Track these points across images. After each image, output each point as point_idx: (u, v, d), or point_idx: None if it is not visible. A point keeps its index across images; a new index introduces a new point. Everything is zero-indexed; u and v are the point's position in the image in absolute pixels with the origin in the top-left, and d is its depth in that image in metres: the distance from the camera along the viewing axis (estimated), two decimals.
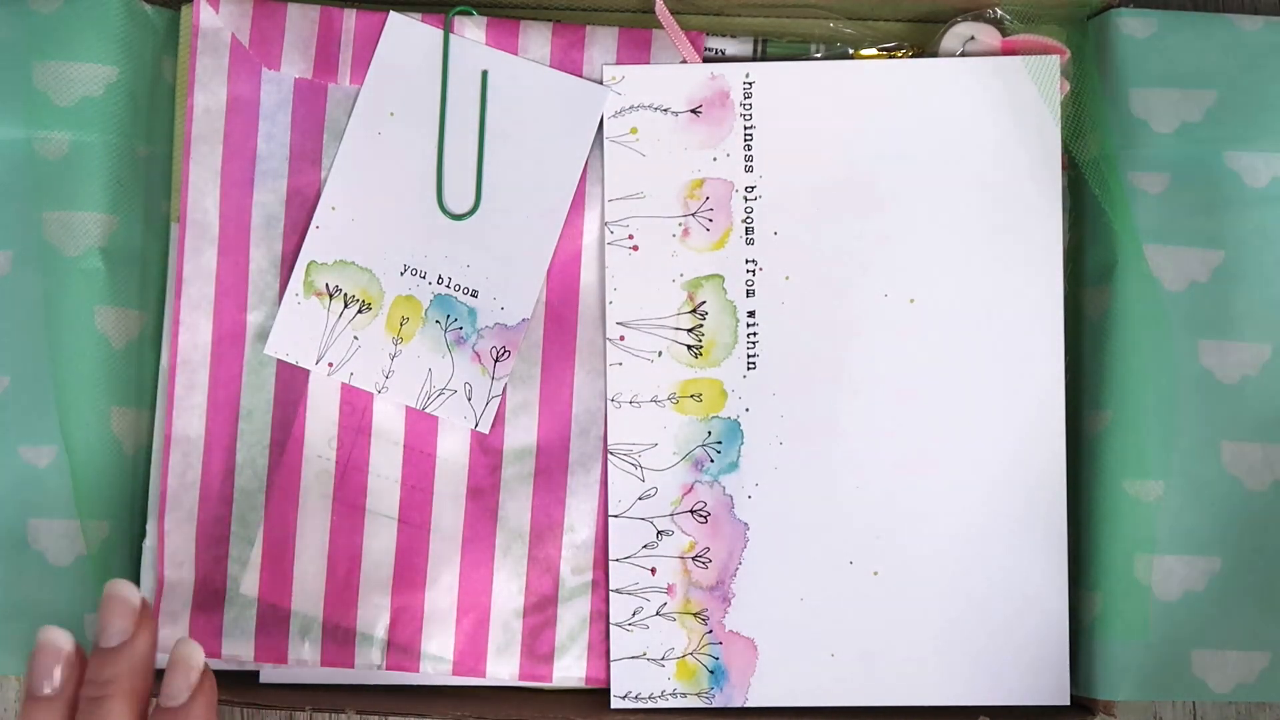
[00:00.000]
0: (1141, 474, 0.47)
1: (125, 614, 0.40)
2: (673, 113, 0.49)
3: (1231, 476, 0.47)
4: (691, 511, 0.48)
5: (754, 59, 0.50)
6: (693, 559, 0.48)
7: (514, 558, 0.49)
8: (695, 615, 0.48)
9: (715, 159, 0.49)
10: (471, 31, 0.49)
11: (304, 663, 0.48)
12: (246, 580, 0.49)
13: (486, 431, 0.49)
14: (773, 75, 0.49)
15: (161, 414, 0.50)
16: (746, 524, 0.48)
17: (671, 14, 0.49)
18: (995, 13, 0.49)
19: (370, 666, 0.48)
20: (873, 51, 0.50)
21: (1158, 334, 0.47)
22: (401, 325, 0.49)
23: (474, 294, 0.49)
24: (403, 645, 0.48)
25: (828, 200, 0.48)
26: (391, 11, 0.49)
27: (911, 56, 0.50)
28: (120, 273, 0.48)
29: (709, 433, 0.48)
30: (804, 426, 0.48)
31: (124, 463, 0.49)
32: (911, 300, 0.48)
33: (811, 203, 0.48)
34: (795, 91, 0.49)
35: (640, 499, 0.48)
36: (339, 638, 0.48)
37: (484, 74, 0.49)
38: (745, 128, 0.48)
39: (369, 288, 0.49)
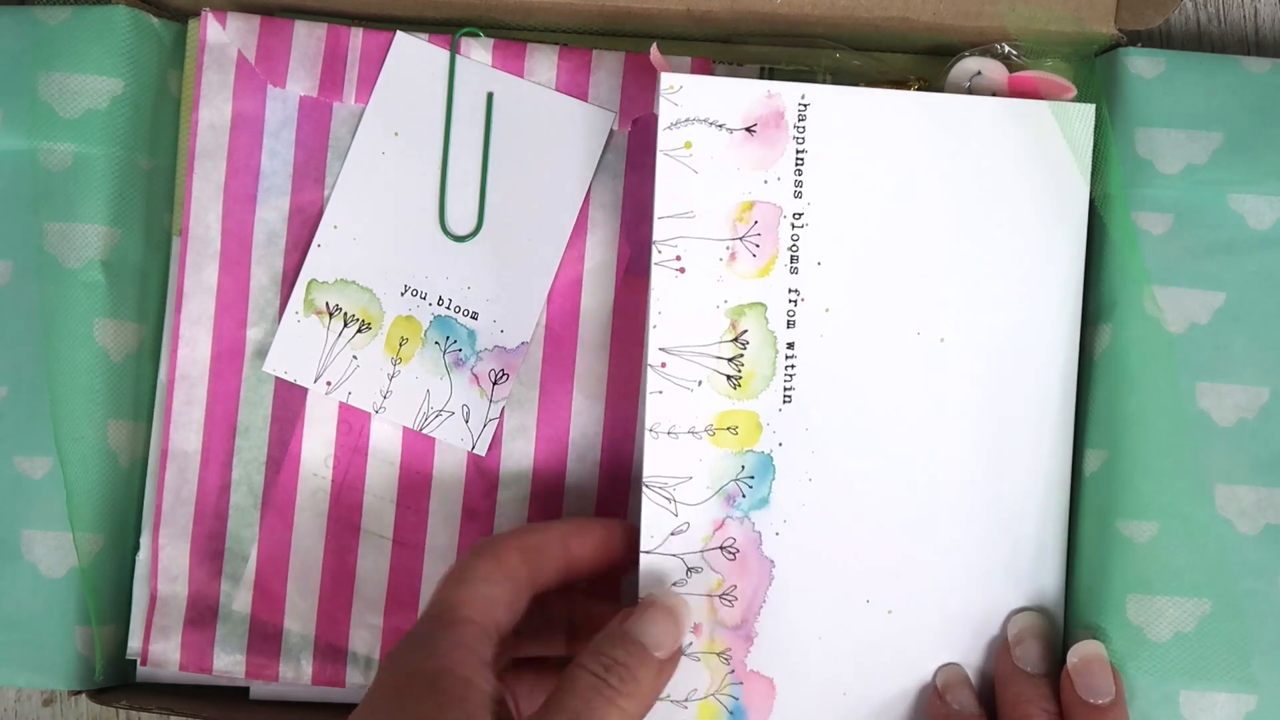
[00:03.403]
0: (1135, 514, 0.47)
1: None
2: (728, 129, 0.46)
3: (1224, 519, 0.47)
4: (721, 548, 0.47)
5: None
6: (719, 597, 0.47)
7: None
8: (719, 655, 0.46)
9: (766, 181, 0.46)
10: (478, 53, 0.49)
11: (295, 681, 0.48)
12: (239, 596, 0.49)
13: (483, 454, 0.49)
14: (827, 99, 0.47)
15: (159, 428, 0.50)
16: (772, 561, 0.47)
17: (680, 38, 0.48)
18: (1002, 48, 0.49)
19: (361, 686, 0.48)
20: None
21: (1156, 375, 0.47)
22: (401, 346, 0.49)
23: (474, 316, 0.49)
24: None
25: (870, 232, 0.47)
26: (398, 31, 0.49)
27: (920, 89, 0.50)
28: (120, 286, 0.48)
29: (742, 467, 0.47)
30: (832, 463, 0.47)
31: (119, 476, 0.49)
32: (942, 340, 0.47)
33: (854, 233, 0.47)
34: (848, 117, 0.47)
35: (673, 534, 0.46)
36: (330, 656, 0.48)
37: (489, 96, 0.49)
38: (797, 151, 0.46)
39: (369, 307, 0.49)
